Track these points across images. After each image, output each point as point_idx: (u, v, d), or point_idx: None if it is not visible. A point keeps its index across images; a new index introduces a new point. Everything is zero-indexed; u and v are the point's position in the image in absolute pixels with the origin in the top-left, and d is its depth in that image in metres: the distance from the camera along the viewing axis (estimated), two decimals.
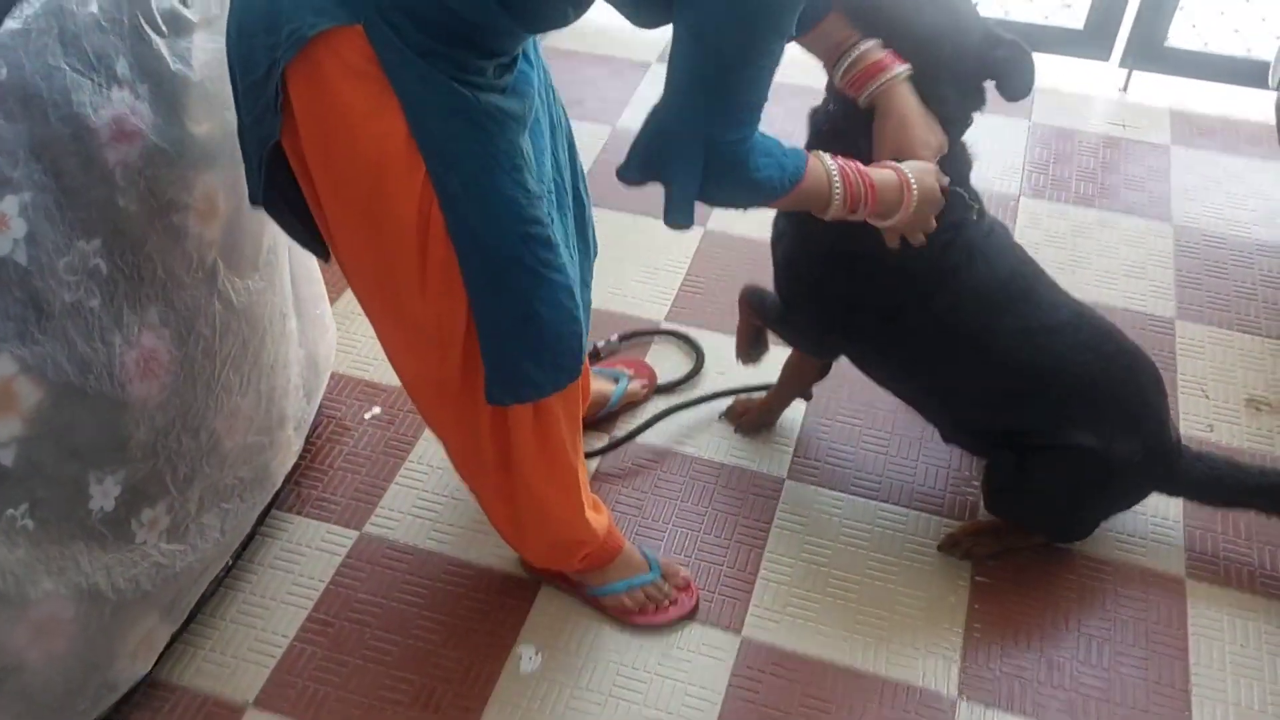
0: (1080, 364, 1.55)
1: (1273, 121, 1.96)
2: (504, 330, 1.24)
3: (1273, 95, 2.05)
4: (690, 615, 1.64)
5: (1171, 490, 1.69)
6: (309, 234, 1.30)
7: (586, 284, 1.52)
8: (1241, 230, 2.37)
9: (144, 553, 1.38)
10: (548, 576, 1.67)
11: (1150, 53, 2.76)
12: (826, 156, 1.30)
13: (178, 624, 1.52)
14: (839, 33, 1.39)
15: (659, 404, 1.97)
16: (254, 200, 1.26)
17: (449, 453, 1.50)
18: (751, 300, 1.78)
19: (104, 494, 1.30)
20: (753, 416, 1.91)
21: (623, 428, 1.92)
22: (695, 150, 1.16)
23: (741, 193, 1.25)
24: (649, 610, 1.63)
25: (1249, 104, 2.72)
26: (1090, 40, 2.80)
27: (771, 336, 1.81)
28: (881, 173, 1.33)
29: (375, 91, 1.08)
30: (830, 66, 1.42)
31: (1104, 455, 1.54)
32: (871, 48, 1.38)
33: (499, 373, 1.27)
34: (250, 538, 1.70)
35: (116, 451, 1.30)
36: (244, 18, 1.12)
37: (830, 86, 1.47)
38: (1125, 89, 2.82)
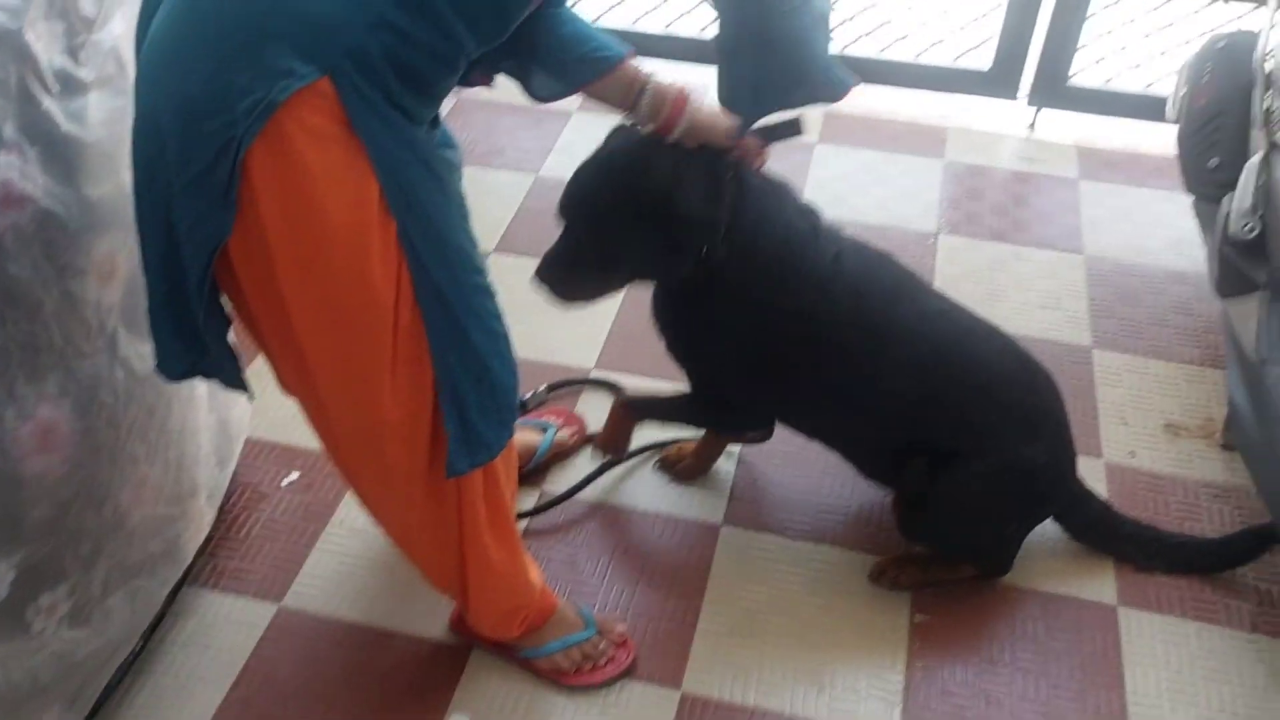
0: (974, 349, 1.60)
1: (1174, 153, 2.02)
2: (463, 391, 1.20)
3: (1173, 129, 2.11)
4: (628, 672, 1.60)
5: (1064, 518, 1.74)
6: (235, 366, 1.24)
7: None
8: (1151, 259, 2.44)
9: (42, 641, 1.30)
10: (478, 640, 1.62)
11: (1055, 91, 2.84)
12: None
13: (82, 716, 1.43)
14: (628, 74, 1.37)
15: (589, 455, 1.94)
16: (166, 369, 1.22)
17: (423, 557, 1.45)
18: (639, 408, 1.80)
19: None
20: (687, 464, 1.89)
21: (552, 479, 1.89)
22: None
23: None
24: (585, 670, 1.58)
25: (1151, 138, 2.81)
26: (997, 81, 2.88)
27: None
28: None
29: (344, 154, 1.04)
30: (628, 108, 1.40)
31: (1012, 461, 1.57)
32: (658, 82, 1.38)
33: (461, 441, 1.22)
34: (161, 617, 1.61)
35: (11, 532, 1.23)
36: (175, 110, 1.03)
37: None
38: (1033, 126, 2.89)
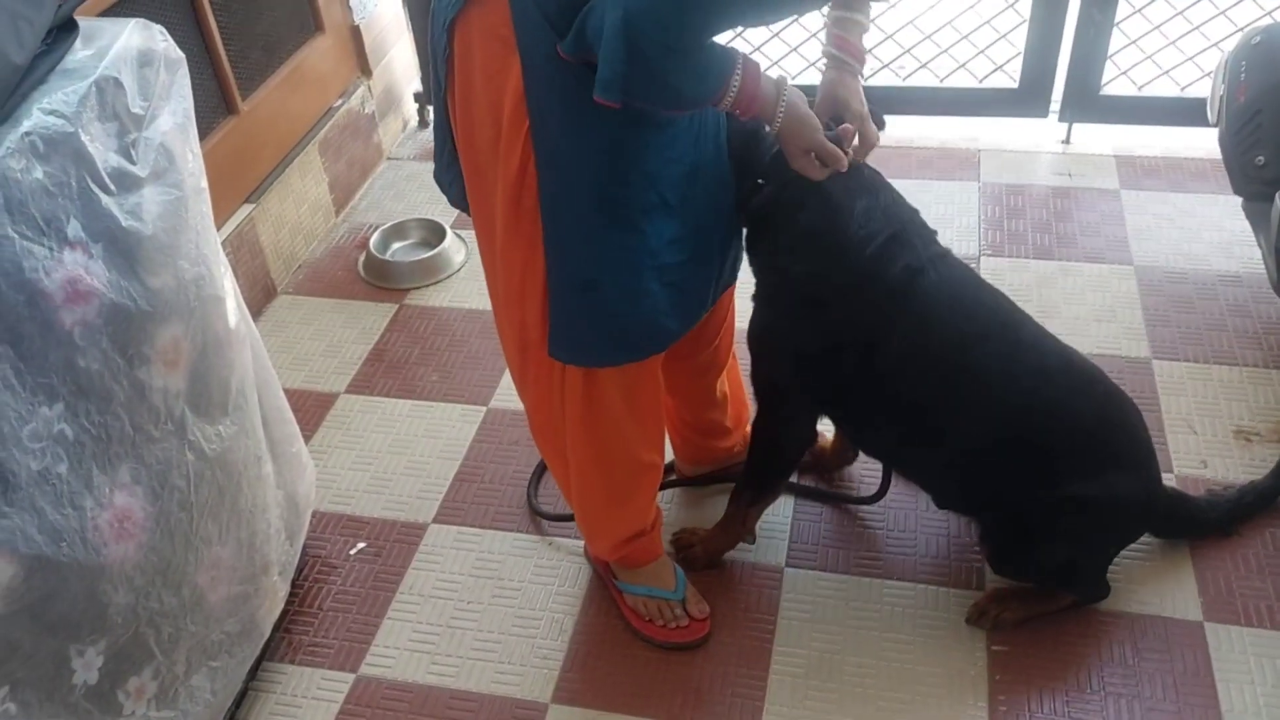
0: (1076, 411, 1.54)
1: (1215, 156, 2.00)
2: (567, 291, 1.36)
3: (1212, 131, 2.09)
4: (692, 645, 1.67)
5: (1166, 529, 1.75)
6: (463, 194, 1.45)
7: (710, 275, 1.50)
8: (1201, 264, 2.40)
9: None
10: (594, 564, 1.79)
11: (1087, 104, 2.83)
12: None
13: None
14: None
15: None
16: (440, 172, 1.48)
17: (528, 412, 1.60)
18: (745, 498, 1.75)
19: (86, 666, 1.25)
20: (698, 554, 1.80)
21: None
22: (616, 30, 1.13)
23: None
24: (655, 625, 1.69)
25: (1189, 141, 2.79)
26: (1026, 99, 2.87)
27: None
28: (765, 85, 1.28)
29: (503, 52, 1.24)
30: None
31: (1109, 502, 1.53)
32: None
33: (559, 331, 1.39)
34: (243, 694, 1.63)
35: (96, 620, 1.25)
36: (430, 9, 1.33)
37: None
38: (1067, 140, 2.88)
